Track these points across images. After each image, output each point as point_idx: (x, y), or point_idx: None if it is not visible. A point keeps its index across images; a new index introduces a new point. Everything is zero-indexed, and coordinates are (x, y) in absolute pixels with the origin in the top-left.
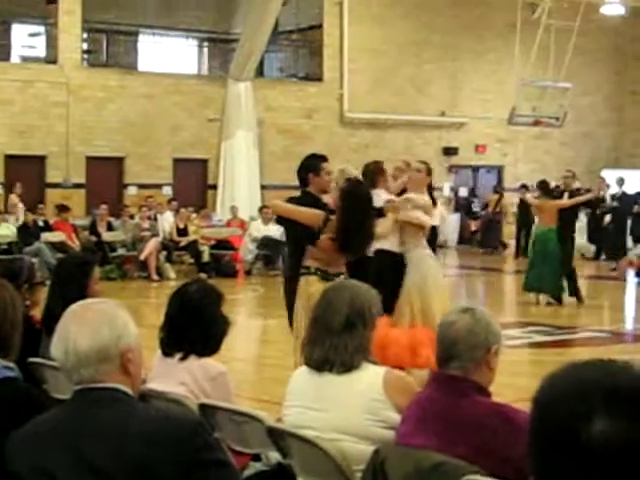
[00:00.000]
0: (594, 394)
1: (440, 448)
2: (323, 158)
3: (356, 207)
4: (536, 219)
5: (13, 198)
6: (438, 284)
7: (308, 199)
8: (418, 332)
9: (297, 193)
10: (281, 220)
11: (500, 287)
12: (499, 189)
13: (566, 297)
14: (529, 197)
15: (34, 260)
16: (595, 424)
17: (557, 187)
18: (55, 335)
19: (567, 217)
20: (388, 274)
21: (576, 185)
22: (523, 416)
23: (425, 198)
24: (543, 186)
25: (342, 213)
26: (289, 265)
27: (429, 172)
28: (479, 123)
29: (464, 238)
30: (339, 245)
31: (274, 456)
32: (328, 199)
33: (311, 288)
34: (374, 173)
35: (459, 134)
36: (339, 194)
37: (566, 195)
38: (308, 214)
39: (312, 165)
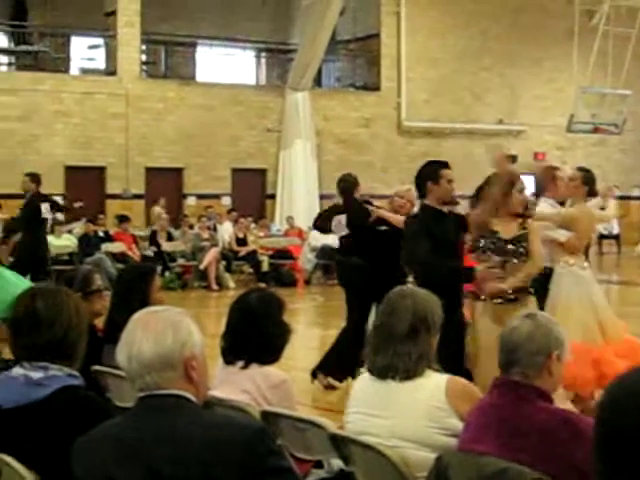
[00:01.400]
0: None
1: (503, 454)
2: (443, 164)
3: None
4: None
5: (157, 210)
6: (570, 303)
7: (432, 221)
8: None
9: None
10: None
11: None
12: None
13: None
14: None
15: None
16: None
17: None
18: (120, 341)
19: None
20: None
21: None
22: (586, 421)
23: (561, 210)
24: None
25: None
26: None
27: (586, 181)
28: (537, 131)
29: None
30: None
31: (336, 463)
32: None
33: (486, 314)
34: (546, 179)
35: (517, 142)
36: None
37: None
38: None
39: (430, 172)
